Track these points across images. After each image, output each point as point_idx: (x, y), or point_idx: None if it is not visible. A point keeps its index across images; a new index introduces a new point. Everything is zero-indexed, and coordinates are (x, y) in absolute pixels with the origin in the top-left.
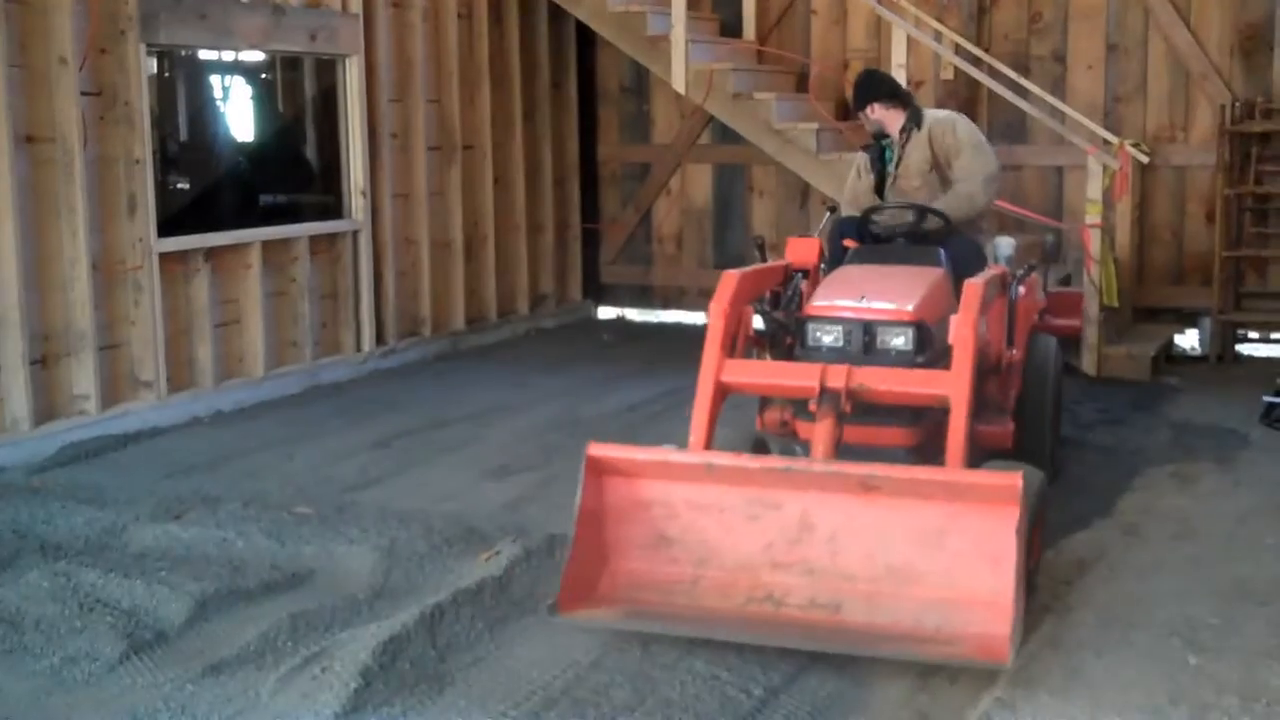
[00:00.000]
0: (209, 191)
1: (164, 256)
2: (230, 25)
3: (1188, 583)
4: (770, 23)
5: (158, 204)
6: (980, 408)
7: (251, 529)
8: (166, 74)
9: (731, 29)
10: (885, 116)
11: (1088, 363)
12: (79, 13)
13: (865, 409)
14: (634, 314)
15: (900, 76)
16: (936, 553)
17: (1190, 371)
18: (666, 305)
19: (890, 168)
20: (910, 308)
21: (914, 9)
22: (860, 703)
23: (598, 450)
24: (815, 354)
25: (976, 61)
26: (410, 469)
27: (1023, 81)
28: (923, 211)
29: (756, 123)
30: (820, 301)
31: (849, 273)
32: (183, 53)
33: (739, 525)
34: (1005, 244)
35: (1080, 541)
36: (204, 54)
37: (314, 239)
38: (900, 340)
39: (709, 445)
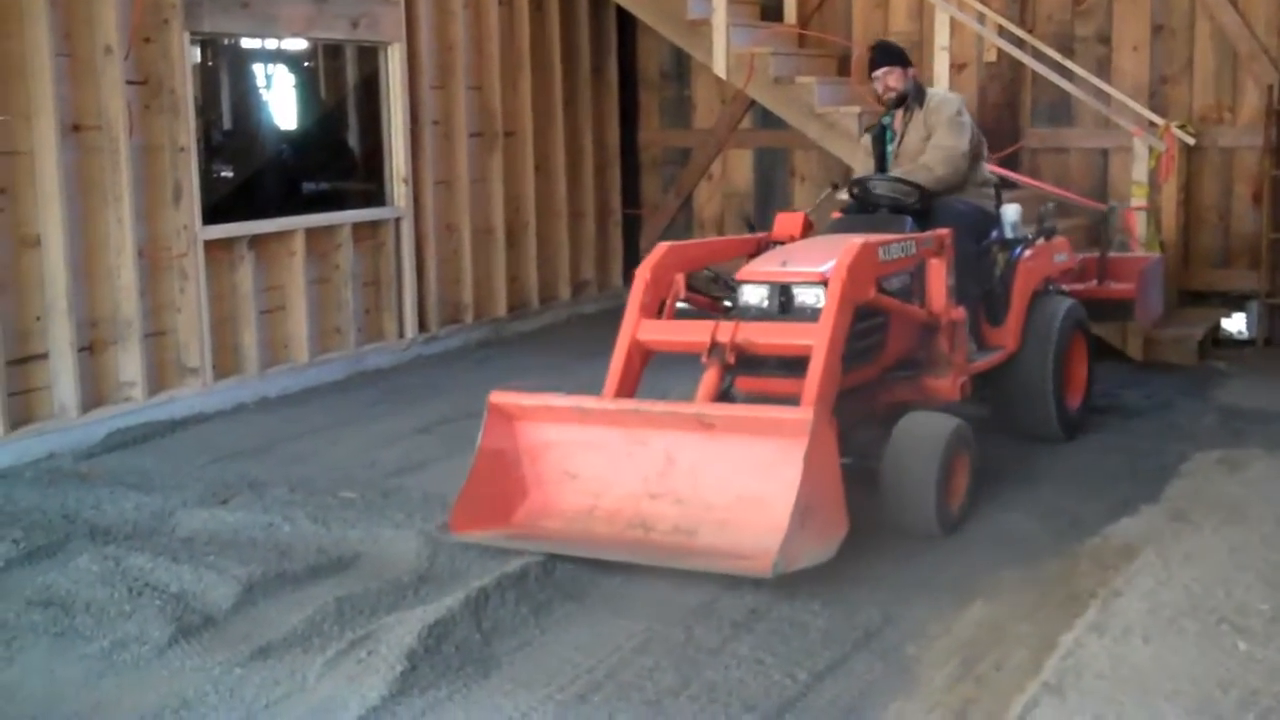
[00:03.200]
0: (252, 179)
1: (209, 244)
2: (273, 13)
3: (1237, 569)
4: (811, 6)
5: (202, 192)
6: (927, 362)
7: (297, 514)
8: (210, 62)
9: (772, 12)
10: (893, 83)
11: (1133, 348)
12: (124, 1)
13: (789, 363)
14: None
15: (943, 59)
16: (764, 481)
17: (1237, 355)
18: None
19: (891, 147)
20: (822, 269)
21: None
22: (905, 688)
23: (498, 398)
24: (745, 313)
25: (1020, 43)
26: (453, 454)
27: (1067, 63)
28: (896, 182)
29: (798, 107)
30: (750, 267)
31: (799, 243)
32: (226, 41)
33: (621, 461)
34: (1011, 210)
35: (1127, 527)
36: (247, 42)
37: (357, 226)
38: (813, 298)
39: (624, 395)
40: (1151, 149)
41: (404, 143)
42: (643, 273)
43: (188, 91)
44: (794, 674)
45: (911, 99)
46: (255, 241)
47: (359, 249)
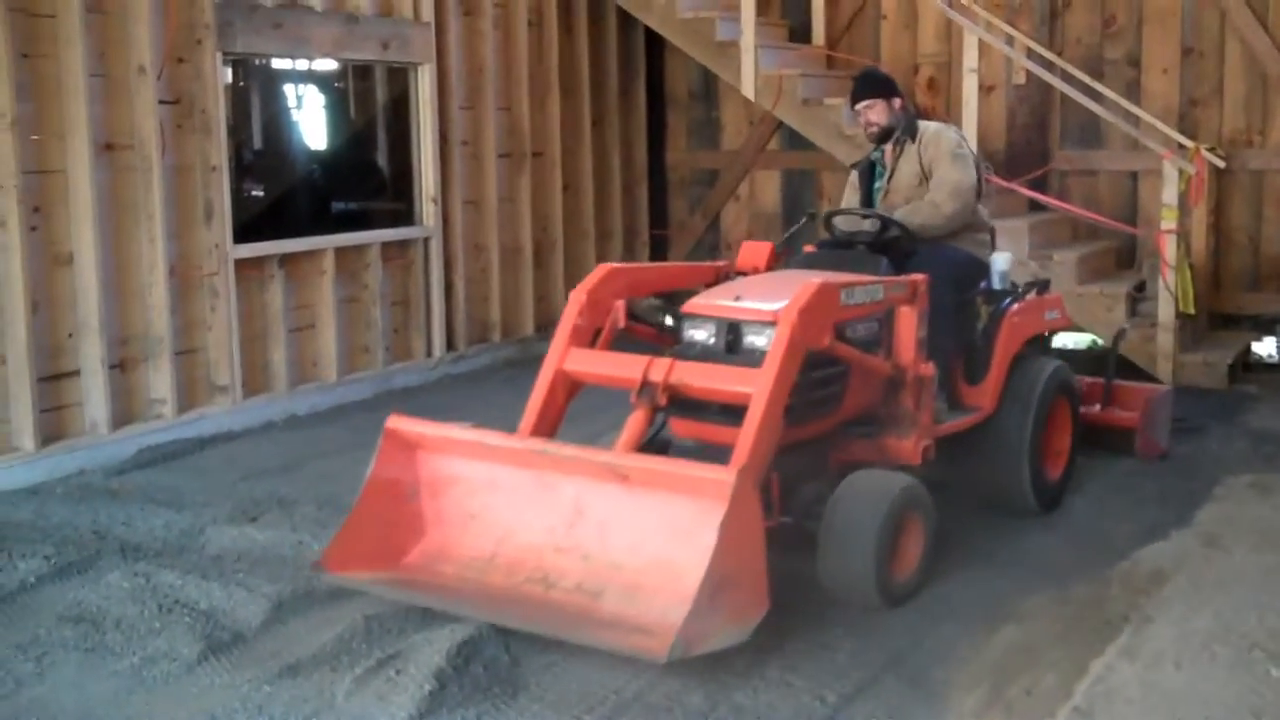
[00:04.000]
0: (283, 198)
1: (239, 262)
2: (304, 34)
3: (1269, 594)
4: (840, 27)
5: (233, 211)
6: (889, 419)
7: (326, 532)
8: (241, 83)
9: (800, 34)
10: (876, 117)
11: (1164, 371)
12: (157, 22)
13: (731, 410)
14: None
15: (972, 81)
16: (678, 545)
17: (1268, 379)
18: None
19: (880, 182)
20: (776, 308)
21: (985, 13)
22: (934, 712)
23: (396, 424)
24: (689, 350)
25: (1049, 65)
26: None
27: (1096, 85)
28: (882, 221)
29: (827, 128)
30: (698, 300)
31: (757, 277)
32: (257, 61)
33: (527, 506)
34: (1001, 259)
35: (1159, 552)
36: (278, 63)
37: (386, 245)
38: (763, 340)
39: (542, 431)
40: (1181, 172)
41: (433, 162)
42: (578, 295)
43: (220, 111)
44: (823, 696)
45: (902, 132)
46: (285, 260)
47: (388, 268)
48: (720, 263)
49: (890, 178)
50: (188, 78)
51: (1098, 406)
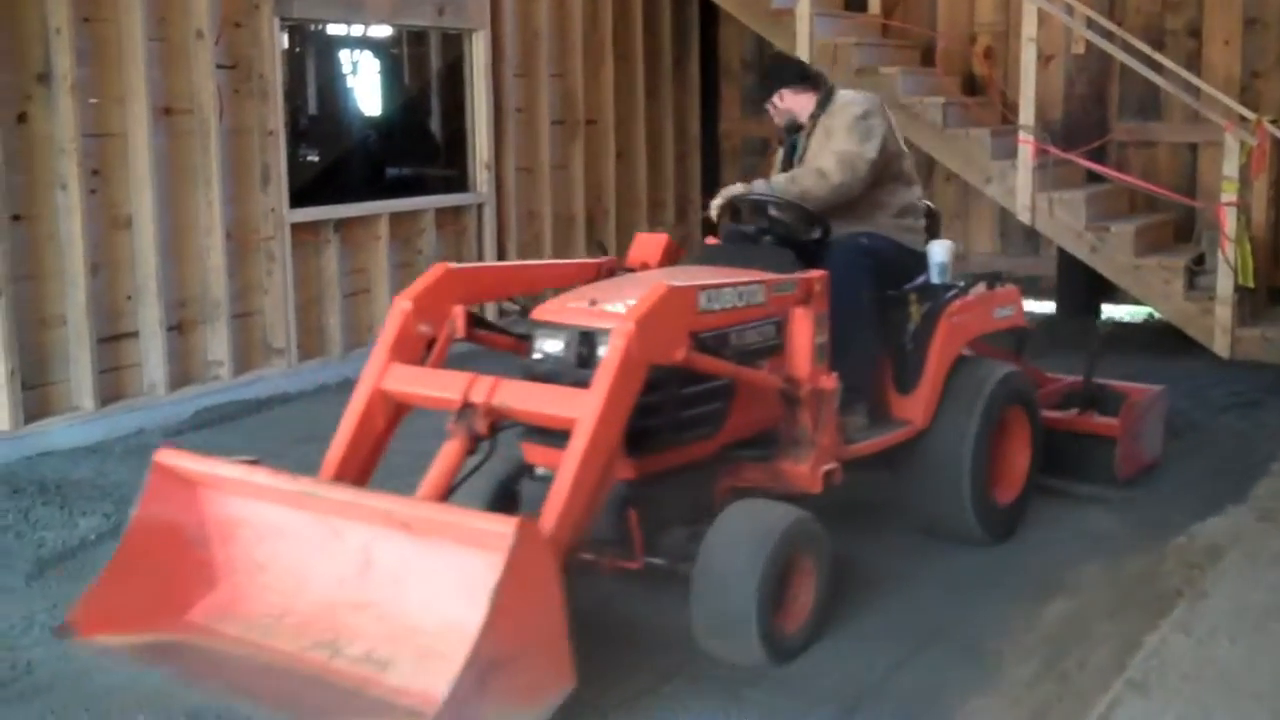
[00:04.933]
0: (338, 164)
1: (295, 227)
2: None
3: None
4: None
5: (289, 175)
6: (786, 440)
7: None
8: (297, 48)
9: (856, 2)
10: (795, 103)
11: (1221, 345)
12: None
13: None
14: None
15: (1030, 50)
16: (467, 605)
17: None
18: None
19: (797, 160)
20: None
21: None
22: (985, 683)
23: (167, 458)
24: (541, 365)
25: (1109, 35)
26: None
27: (1156, 56)
28: (756, 205)
29: (881, 97)
30: (549, 304)
31: (625, 277)
32: (313, 27)
33: (315, 556)
34: (940, 249)
35: (1214, 527)
36: (333, 28)
37: (440, 211)
38: None
39: (354, 462)
40: (1243, 144)
41: (487, 129)
42: (402, 302)
43: (276, 76)
44: (872, 663)
45: (818, 107)
46: (340, 225)
47: (442, 234)
48: (604, 258)
49: (801, 158)
50: (245, 42)
51: (1075, 411)
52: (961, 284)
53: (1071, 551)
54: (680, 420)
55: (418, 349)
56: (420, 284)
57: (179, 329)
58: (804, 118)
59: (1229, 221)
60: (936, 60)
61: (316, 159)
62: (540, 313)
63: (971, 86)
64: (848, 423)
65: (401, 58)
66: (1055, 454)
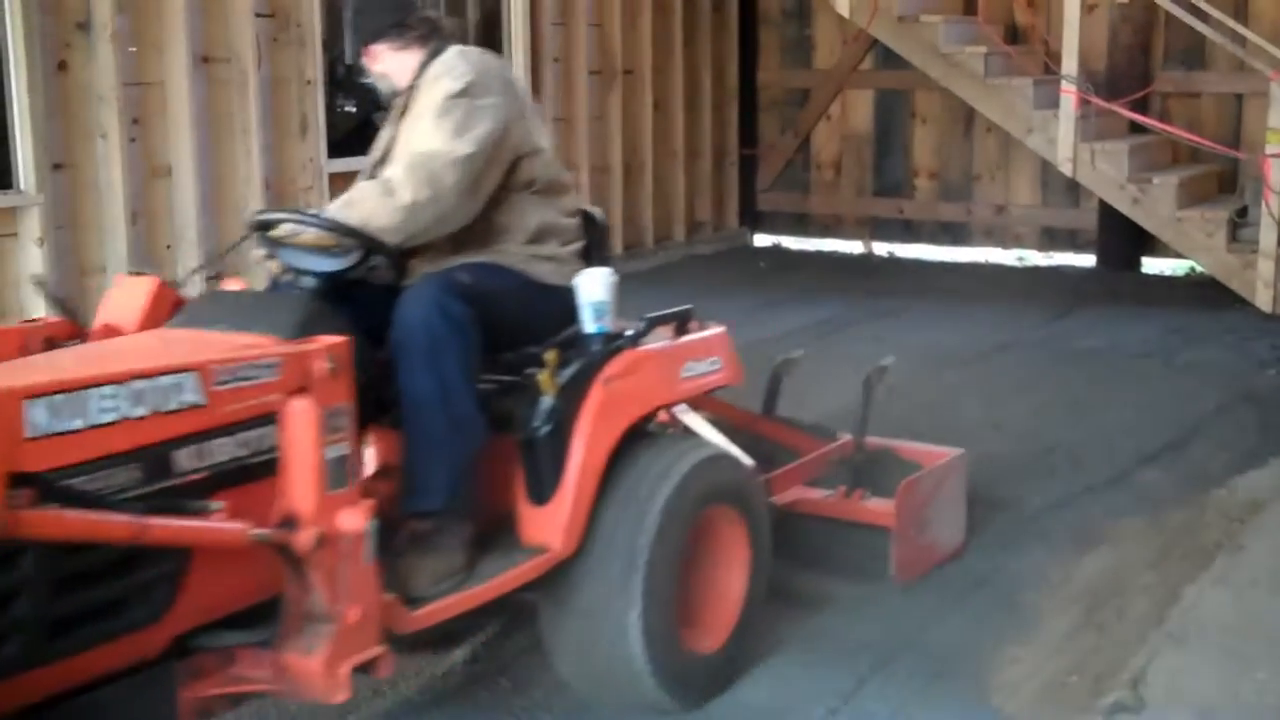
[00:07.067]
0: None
1: (333, 177)
2: None
3: None
4: None
5: (327, 125)
6: (293, 620)
7: None
8: None
9: None
10: (393, 65)
11: (1264, 299)
12: None
13: None
14: (790, 242)
15: (1074, 0)
16: None
17: None
18: (824, 233)
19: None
20: None
21: None
22: (1024, 634)
23: None
24: None
25: None
26: None
27: (1202, 4)
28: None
29: (922, 46)
30: None
31: (75, 350)
32: None
33: None
34: (592, 283)
35: (1255, 480)
36: None
37: None
38: None
39: None
40: None
41: (525, 79)
42: None
43: (315, 25)
44: (909, 614)
45: (422, 66)
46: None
47: None
48: (48, 319)
49: (387, 154)
50: None
51: (841, 491)
52: (631, 331)
53: (1111, 503)
54: (71, 608)
55: None
56: None
57: (218, 279)
58: (403, 83)
59: (1273, 173)
60: (978, 8)
61: (355, 109)
62: None
63: (1013, 35)
64: (425, 567)
65: (439, 6)
66: (819, 544)
